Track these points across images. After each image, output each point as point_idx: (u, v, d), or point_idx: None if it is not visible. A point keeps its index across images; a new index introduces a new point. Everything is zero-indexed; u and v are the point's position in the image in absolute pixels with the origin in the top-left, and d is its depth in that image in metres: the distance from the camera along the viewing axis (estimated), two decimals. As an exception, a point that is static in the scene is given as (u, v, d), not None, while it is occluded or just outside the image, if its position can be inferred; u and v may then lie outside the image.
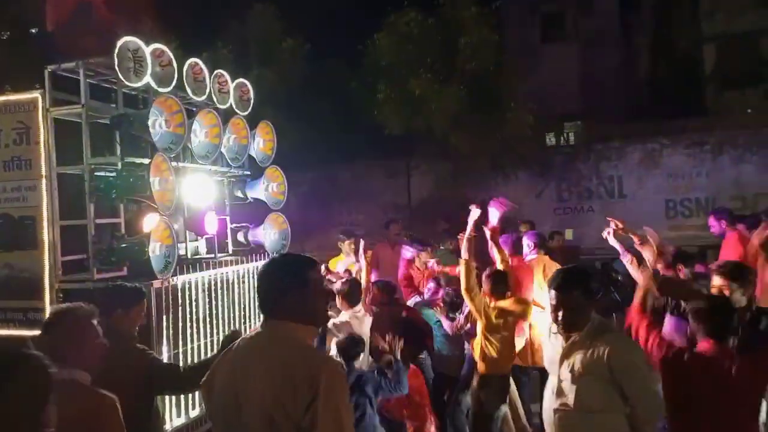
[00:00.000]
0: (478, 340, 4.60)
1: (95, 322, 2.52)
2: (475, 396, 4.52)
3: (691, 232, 11.17)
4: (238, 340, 2.26)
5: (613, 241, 4.19)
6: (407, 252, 7.05)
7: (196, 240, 5.69)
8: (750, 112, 14.28)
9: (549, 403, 3.07)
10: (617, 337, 2.96)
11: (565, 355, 2.97)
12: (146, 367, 3.22)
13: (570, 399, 2.91)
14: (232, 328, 4.98)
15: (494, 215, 5.39)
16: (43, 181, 4.44)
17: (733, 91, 15.64)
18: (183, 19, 12.23)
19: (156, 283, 4.23)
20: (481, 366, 4.55)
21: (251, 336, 2.19)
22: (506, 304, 4.64)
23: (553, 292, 2.99)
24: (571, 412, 2.91)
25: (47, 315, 2.50)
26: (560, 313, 2.94)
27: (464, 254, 4.87)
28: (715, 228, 6.24)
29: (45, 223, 4.42)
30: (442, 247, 7.70)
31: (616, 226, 4.15)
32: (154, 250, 4.33)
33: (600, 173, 12.59)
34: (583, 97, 16.91)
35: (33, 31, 4.71)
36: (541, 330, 4.55)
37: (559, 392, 2.97)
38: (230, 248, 6.01)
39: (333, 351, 4.27)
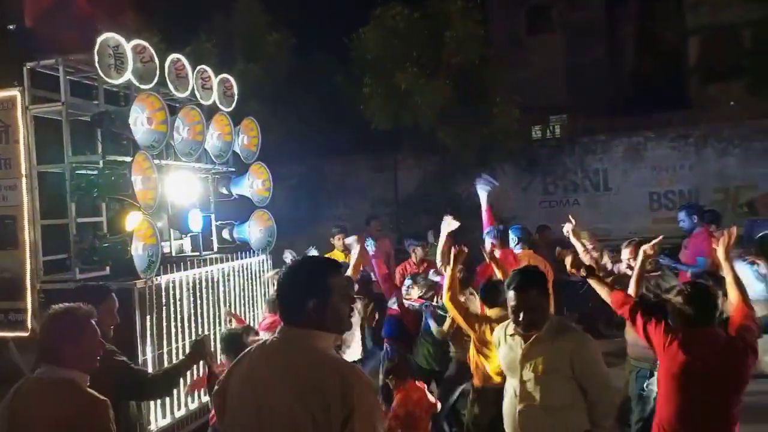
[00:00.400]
0: (472, 352, 4.43)
1: (94, 322, 2.51)
2: (470, 408, 4.37)
3: (674, 224, 11.26)
4: (254, 346, 2.16)
5: (573, 240, 4.29)
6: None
7: (181, 238, 5.65)
8: (733, 105, 14.41)
9: (511, 407, 3.04)
10: (579, 334, 2.99)
11: (526, 355, 2.96)
12: (113, 372, 3.03)
13: (536, 398, 2.91)
14: (219, 327, 4.97)
15: (483, 196, 5.53)
16: (23, 180, 4.39)
17: (717, 84, 15.76)
18: (166, 12, 12.07)
19: (139, 283, 4.20)
20: (475, 379, 4.41)
21: (270, 343, 2.10)
22: (496, 315, 4.34)
23: (512, 292, 2.97)
24: (535, 410, 2.91)
25: (47, 314, 2.45)
26: (521, 314, 2.93)
27: (441, 262, 4.87)
28: (685, 223, 6.32)
29: (26, 223, 4.37)
30: (432, 242, 7.71)
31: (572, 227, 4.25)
32: (137, 249, 4.30)
33: (585, 166, 12.66)
34: (569, 90, 16.97)
35: (11, 27, 4.63)
36: None
37: (523, 394, 2.96)
38: (215, 246, 5.98)
39: None
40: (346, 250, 6.63)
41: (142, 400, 3.55)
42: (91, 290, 3.33)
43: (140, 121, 4.52)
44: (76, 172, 4.45)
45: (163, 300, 4.45)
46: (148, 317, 4.24)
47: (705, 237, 6.00)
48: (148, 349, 4.22)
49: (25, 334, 4.35)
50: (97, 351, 2.50)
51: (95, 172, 4.49)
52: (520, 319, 2.95)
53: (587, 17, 17.39)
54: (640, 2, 18.43)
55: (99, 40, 4.29)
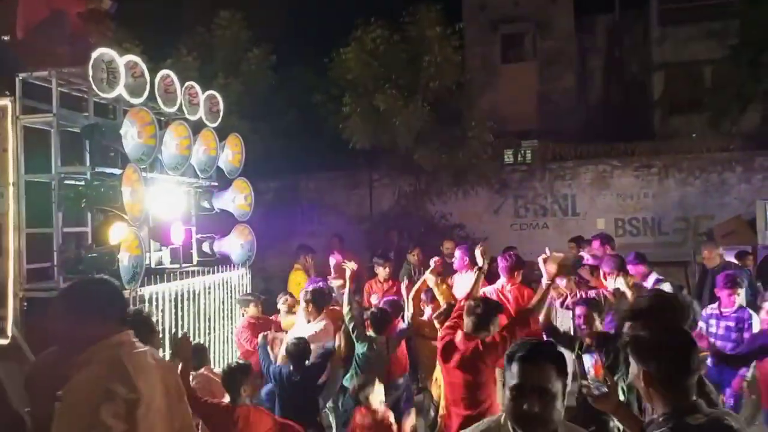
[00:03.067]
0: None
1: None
2: None
3: (638, 250, 11.71)
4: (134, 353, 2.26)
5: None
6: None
7: (160, 250, 5.72)
8: (694, 137, 15.11)
9: None
10: None
11: None
12: None
13: None
14: (197, 339, 5.03)
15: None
16: (11, 188, 4.42)
17: (679, 117, 16.52)
18: (147, 24, 12.11)
19: (124, 293, 4.26)
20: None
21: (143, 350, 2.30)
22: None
23: (517, 365, 1.99)
24: None
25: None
26: (529, 404, 1.94)
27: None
28: (599, 251, 6.74)
29: (11, 231, 4.39)
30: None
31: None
32: (122, 260, 4.37)
33: (555, 191, 13.07)
34: (540, 117, 17.51)
35: (5, 38, 4.70)
36: None
37: None
38: (195, 259, 6.05)
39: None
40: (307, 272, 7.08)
41: None
42: None
43: (130, 134, 4.62)
44: (64, 182, 4.52)
45: (146, 311, 4.51)
46: (131, 327, 4.29)
47: None
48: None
49: (5, 342, 4.36)
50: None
51: (83, 183, 4.56)
52: (526, 411, 1.91)
53: (558, 48, 18.04)
54: (609, 36, 19.22)
55: (94, 55, 4.40)
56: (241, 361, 4.06)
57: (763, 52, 12.13)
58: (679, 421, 1.92)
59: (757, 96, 13.15)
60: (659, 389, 1.96)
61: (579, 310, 4.30)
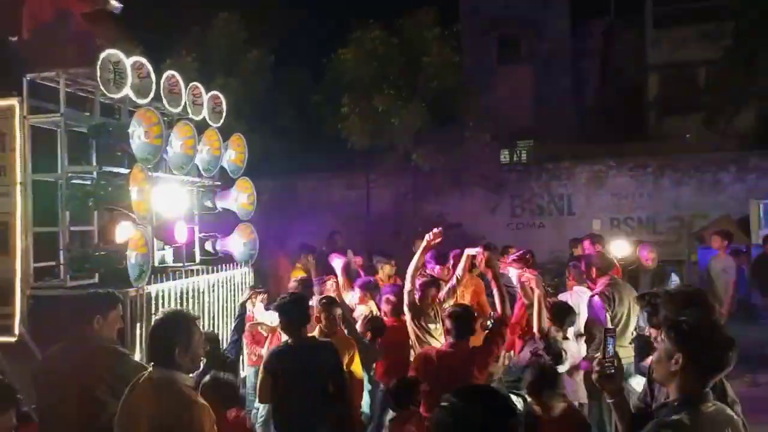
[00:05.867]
0: None
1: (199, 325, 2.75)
2: None
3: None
4: None
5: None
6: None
7: (163, 249, 5.77)
8: (688, 138, 15.27)
9: None
10: None
11: None
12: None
13: None
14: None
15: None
16: (18, 187, 4.46)
17: (674, 118, 16.69)
18: (145, 24, 12.15)
19: (131, 292, 4.32)
20: None
21: None
22: None
23: None
24: None
25: (157, 318, 2.70)
26: None
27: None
28: (590, 250, 6.88)
29: (18, 230, 4.43)
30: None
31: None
32: (130, 259, 4.42)
33: (551, 191, 13.19)
34: (536, 118, 17.64)
35: (13, 39, 4.74)
36: None
37: None
38: (198, 257, 6.10)
39: None
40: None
41: None
42: (104, 297, 3.48)
43: (137, 134, 4.66)
44: (71, 181, 4.57)
45: (152, 309, 4.56)
46: (138, 325, 4.35)
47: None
48: (137, 356, 4.32)
49: (12, 339, 4.39)
50: (200, 353, 2.73)
51: (89, 183, 4.61)
52: None
53: (553, 50, 18.18)
54: (604, 38, 19.38)
55: (101, 55, 4.44)
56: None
57: (757, 52, 12.28)
58: (695, 409, 2.03)
59: (750, 96, 13.31)
60: (690, 376, 2.04)
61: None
